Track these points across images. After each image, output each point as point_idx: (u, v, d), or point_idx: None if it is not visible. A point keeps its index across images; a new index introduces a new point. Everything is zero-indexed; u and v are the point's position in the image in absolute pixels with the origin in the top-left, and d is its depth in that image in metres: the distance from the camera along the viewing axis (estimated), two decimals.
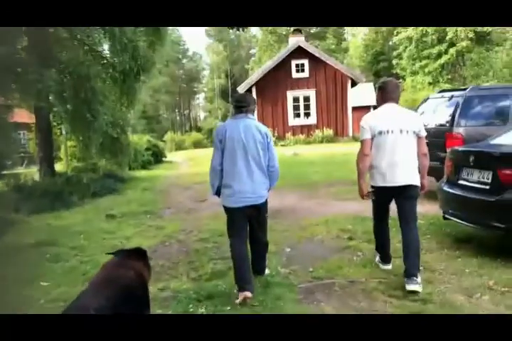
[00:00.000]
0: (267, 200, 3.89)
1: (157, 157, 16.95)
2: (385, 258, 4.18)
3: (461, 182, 4.73)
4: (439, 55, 28.72)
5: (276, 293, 3.69)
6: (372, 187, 3.95)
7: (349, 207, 7.04)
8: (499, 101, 7.07)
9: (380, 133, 3.77)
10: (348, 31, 50.13)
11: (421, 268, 4.00)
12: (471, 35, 26.37)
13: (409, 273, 3.64)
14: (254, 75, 22.59)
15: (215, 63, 49.39)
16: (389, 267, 4.14)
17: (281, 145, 20.72)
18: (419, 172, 3.89)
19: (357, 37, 46.60)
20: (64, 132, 12.15)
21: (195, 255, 5.02)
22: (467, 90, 7.16)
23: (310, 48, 22.43)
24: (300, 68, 21.99)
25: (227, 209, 3.84)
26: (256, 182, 3.70)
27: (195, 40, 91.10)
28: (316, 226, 5.97)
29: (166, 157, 18.66)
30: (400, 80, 32.61)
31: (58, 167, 12.39)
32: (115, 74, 10.32)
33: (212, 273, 4.30)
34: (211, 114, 51.86)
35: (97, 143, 8.98)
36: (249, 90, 21.69)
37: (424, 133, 3.88)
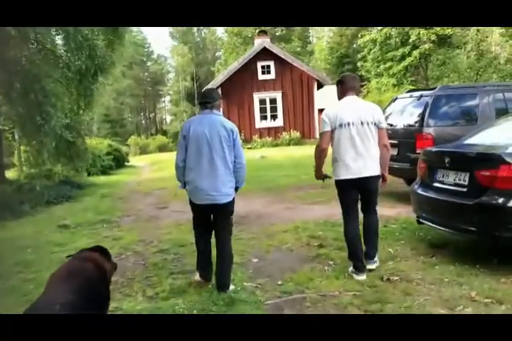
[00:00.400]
0: (233, 201, 3.74)
1: (118, 162, 16.28)
2: (359, 267, 3.90)
3: (436, 184, 4.47)
4: (403, 57, 28.98)
5: (241, 312, 3.30)
6: (336, 181, 3.99)
7: (318, 212, 6.77)
8: (468, 100, 6.93)
9: (341, 125, 3.81)
10: (313, 34, 50.37)
11: (396, 276, 3.88)
12: (433, 37, 26.72)
13: (369, 255, 3.99)
14: (220, 77, 22.14)
15: (180, 65, 48.66)
16: (363, 277, 3.85)
17: (248, 148, 20.35)
18: (381, 163, 3.96)
19: (322, 40, 46.84)
20: (16, 136, 11.42)
21: (153, 269, 4.57)
22: (436, 89, 7.01)
23: (276, 50, 22.18)
24: (266, 70, 21.69)
25: (192, 204, 3.79)
26: (220, 179, 3.59)
27: (160, 43, 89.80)
28: (284, 233, 5.62)
29: (128, 161, 17.99)
30: (365, 82, 32.90)
31: (11, 174, 11.66)
32: (70, 75, 9.72)
33: (170, 291, 3.87)
34: (177, 117, 51.06)
35: (50, 148, 8.35)
36: None
37: (384, 125, 3.95)
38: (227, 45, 45.60)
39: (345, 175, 3.86)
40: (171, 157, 4.75)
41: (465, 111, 6.96)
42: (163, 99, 61.09)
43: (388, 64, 30.10)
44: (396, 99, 8.05)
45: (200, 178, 3.61)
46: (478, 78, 17.17)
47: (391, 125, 7.42)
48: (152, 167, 16.76)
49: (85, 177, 11.48)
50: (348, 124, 3.79)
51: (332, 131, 3.87)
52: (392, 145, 5.50)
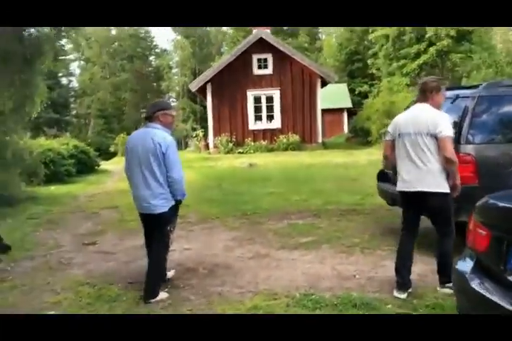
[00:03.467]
0: (169, 212, 3.83)
1: (86, 166, 14.05)
2: (399, 284, 3.73)
3: None
4: (418, 55, 26.53)
5: None
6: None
7: (299, 269, 4.54)
8: None
9: (400, 135, 3.74)
10: (323, 30, 48.05)
11: None
12: (452, 33, 24.22)
13: (441, 280, 3.75)
14: (210, 71, 19.61)
15: (180, 60, 46.40)
16: (400, 295, 3.65)
17: (239, 153, 18.04)
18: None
19: (331, 35, 44.54)
20: None
21: None
22: (480, 87, 4.77)
23: (274, 41, 19.50)
24: (262, 64, 19.11)
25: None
26: (151, 192, 3.74)
27: (165, 36, 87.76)
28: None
29: (98, 165, 15.73)
30: (376, 81, 30.58)
31: None
32: None
33: None
34: (177, 114, 48.81)
35: None
36: (203, 88, 18.89)
37: (444, 134, 3.53)
38: (229, 39, 43.27)
39: (400, 187, 3.81)
40: None
41: None
42: (167, 95, 58.88)
43: (401, 62, 27.68)
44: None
45: (136, 189, 3.84)
46: None
47: None
48: (123, 173, 14.43)
49: (21, 189, 9.17)
50: (405, 134, 3.69)
51: (393, 141, 3.84)
52: None
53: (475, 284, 2.35)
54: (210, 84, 18.60)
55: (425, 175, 3.59)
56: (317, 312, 3.45)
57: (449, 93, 5.11)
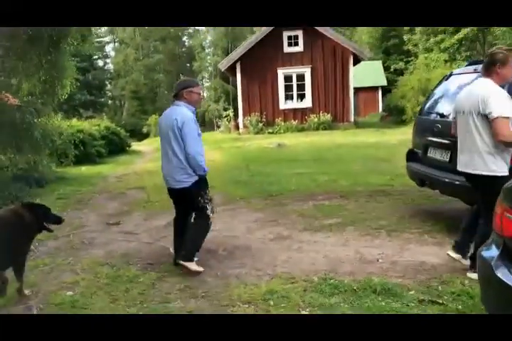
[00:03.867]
0: (192, 187, 3.88)
1: (117, 147, 14.20)
2: (458, 245, 3.83)
3: None
4: (457, 29, 25.29)
5: None
6: None
7: (320, 252, 4.41)
8: None
9: (456, 113, 3.65)
10: None
11: None
12: None
13: (473, 265, 3.44)
14: (239, 49, 19.32)
15: (212, 40, 46.10)
16: (456, 256, 3.80)
17: (269, 133, 17.82)
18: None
19: None
20: None
21: None
22: None
23: None
24: (293, 41, 18.64)
25: None
26: (173, 167, 3.89)
27: None
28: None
29: (129, 146, 15.89)
30: (412, 58, 29.48)
31: None
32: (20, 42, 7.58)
33: None
34: (209, 94, 48.78)
35: None
36: (232, 67, 18.65)
37: (495, 115, 3.24)
38: None
39: (458, 166, 3.68)
40: None
41: None
42: (200, 76, 58.84)
43: (439, 37, 26.46)
44: (450, 75, 5.41)
45: (163, 164, 4.04)
46: None
47: (441, 115, 5.01)
48: (154, 154, 14.59)
49: (51, 169, 9.30)
50: (459, 113, 3.57)
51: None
52: (442, 147, 4.66)
53: (501, 272, 2.17)
54: (239, 63, 18.34)
55: (473, 157, 3.45)
56: (334, 298, 3.32)
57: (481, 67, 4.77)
